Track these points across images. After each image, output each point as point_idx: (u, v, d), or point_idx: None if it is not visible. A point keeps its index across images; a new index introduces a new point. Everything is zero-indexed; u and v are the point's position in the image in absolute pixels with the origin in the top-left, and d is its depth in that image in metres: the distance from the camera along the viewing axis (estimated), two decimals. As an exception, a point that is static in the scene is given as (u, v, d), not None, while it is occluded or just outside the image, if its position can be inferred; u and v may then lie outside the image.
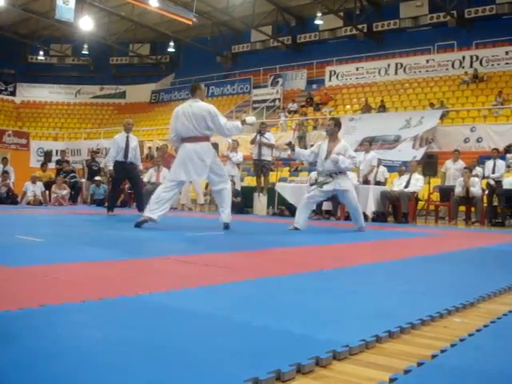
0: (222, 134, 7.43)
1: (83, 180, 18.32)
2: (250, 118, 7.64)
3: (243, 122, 7.29)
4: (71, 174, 17.61)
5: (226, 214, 7.18)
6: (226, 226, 7.13)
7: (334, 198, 11.76)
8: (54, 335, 1.69)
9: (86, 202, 17.27)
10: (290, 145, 8.30)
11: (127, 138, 10.66)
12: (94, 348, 1.55)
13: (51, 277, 2.84)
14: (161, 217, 6.86)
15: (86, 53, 34.71)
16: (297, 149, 8.42)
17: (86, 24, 28.56)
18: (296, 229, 7.67)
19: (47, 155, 22.67)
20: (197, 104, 7.00)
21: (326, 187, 7.93)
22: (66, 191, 16.15)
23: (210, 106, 7.05)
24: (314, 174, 13.67)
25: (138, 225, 6.78)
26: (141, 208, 10.26)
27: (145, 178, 15.12)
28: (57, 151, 24.53)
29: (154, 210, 6.81)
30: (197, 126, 6.89)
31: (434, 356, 1.62)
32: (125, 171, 10.59)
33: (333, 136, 8.09)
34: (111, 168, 10.69)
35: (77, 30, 29.82)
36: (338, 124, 8.23)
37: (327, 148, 7.94)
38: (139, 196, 11.01)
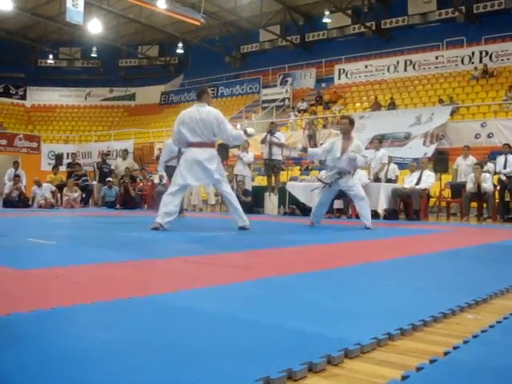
0: (227, 141, 7.47)
1: (94, 182, 18.38)
2: (250, 130, 7.70)
3: (245, 132, 7.33)
4: (83, 178, 17.68)
5: (234, 218, 7.17)
6: (243, 229, 7.07)
7: (346, 196, 11.77)
8: (65, 337, 1.69)
9: (97, 204, 17.33)
10: (302, 149, 8.41)
11: None
12: (105, 349, 1.55)
13: (62, 279, 2.85)
14: (169, 223, 6.86)
15: (95, 56, 34.85)
16: (309, 150, 8.47)
17: (95, 27, 28.65)
18: (312, 224, 7.89)
19: (58, 158, 22.74)
20: (204, 109, 6.95)
21: (334, 186, 8.04)
22: (77, 194, 16.23)
23: (217, 112, 7.02)
24: (324, 173, 13.68)
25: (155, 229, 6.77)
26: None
27: (155, 180, 15.16)
28: (68, 154, 24.60)
29: (163, 216, 6.81)
30: (204, 132, 6.85)
31: (446, 353, 1.61)
32: None
33: (347, 134, 8.11)
34: (162, 173, 10.63)
35: (85, 33, 29.92)
36: (352, 122, 8.27)
37: (341, 146, 7.96)
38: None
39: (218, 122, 6.87)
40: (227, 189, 7.19)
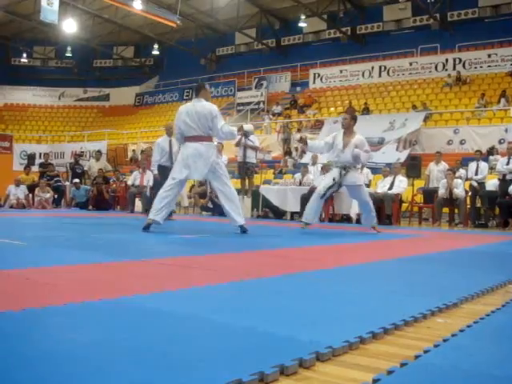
0: (216, 136, 7.39)
1: (67, 183, 18.22)
2: (248, 126, 7.68)
3: (240, 129, 7.31)
4: (55, 179, 17.52)
5: (232, 217, 7.08)
6: (243, 230, 7.06)
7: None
8: (36, 339, 1.67)
9: (69, 206, 17.19)
10: (302, 139, 8.38)
11: (170, 141, 10.65)
12: (76, 351, 1.53)
13: (33, 280, 2.82)
14: (165, 218, 6.88)
15: (70, 55, 34.55)
16: (309, 142, 8.48)
17: (70, 26, 28.40)
18: (306, 224, 7.83)
19: (30, 158, 22.51)
20: (200, 103, 7.01)
21: (342, 181, 8.05)
22: (49, 194, 16.06)
23: (212, 107, 7.07)
24: (298, 176, 13.72)
25: (146, 228, 6.74)
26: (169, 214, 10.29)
27: (129, 181, 15.10)
28: (40, 154, 24.36)
29: (157, 212, 6.78)
30: (200, 126, 6.88)
31: (417, 356, 1.62)
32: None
33: (349, 129, 8.21)
34: (156, 172, 10.62)
35: (60, 33, 29.64)
36: (354, 118, 8.40)
37: (343, 140, 8.05)
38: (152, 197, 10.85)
39: (212, 116, 6.90)
40: (224, 189, 7.10)
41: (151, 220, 6.77)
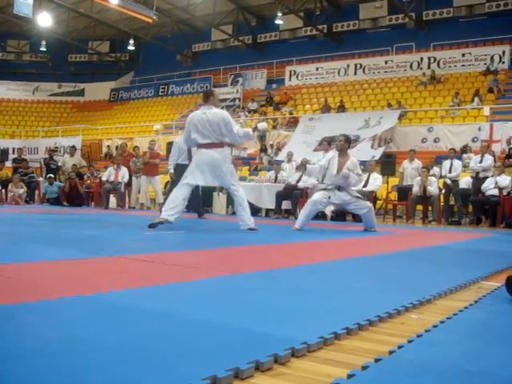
0: (234, 141, 7.59)
1: (41, 179, 18.03)
2: (262, 125, 7.83)
3: (254, 129, 7.51)
4: (30, 175, 17.35)
5: (242, 219, 7.31)
6: (251, 230, 7.23)
7: (294, 197, 11.85)
8: (9, 336, 1.65)
9: (42, 201, 17.02)
10: (302, 165, 8.49)
11: None
12: (51, 348, 1.52)
13: (5, 276, 2.78)
14: (177, 219, 6.92)
15: (44, 49, 34.12)
16: (308, 167, 8.51)
17: (45, 20, 28.05)
18: (297, 229, 7.88)
19: (4, 153, 22.23)
20: (211, 111, 7.11)
21: (332, 199, 8.15)
22: (22, 190, 15.88)
23: (224, 113, 7.25)
24: (272, 174, 13.72)
25: (153, 226, 6.70)
26: (200, 213, 10.54)
27: (103, 177, 14.99)
28: (13, 149, 24.10)
29: (170, 211, 6.83)
30: (213, 133, 7.00)
31: (391, 352, 1.64)
32: None
33: (343, 152, 8.24)
34: (172, 171, 10.61)
35: (35, 26, 29.29)
36: (348, 140, 8.41)
37: (338, 163, 8.08)
38: (198, 199, 10.82)
39: (225, 123, 7.02)
40: (239, 191, 7.35)
41: (164, 219, 6.78)
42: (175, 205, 6.89)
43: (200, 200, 10.98)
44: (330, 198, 8.11)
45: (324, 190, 8.18)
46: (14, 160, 18.59)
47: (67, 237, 5.61)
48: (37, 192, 17.33)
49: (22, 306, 2.06)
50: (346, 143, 8.27)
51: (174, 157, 10.72)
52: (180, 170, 10.01)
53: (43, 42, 33.37)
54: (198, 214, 10.77)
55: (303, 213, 8.11)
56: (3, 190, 15.89)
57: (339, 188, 8.11)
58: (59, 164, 17.96)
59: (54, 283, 2.68)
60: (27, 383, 1.26)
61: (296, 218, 11.67)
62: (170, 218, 6.81)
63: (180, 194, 6.99)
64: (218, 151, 7.06)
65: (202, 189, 13.87)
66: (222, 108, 27.37)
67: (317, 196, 8.15)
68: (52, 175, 16.51)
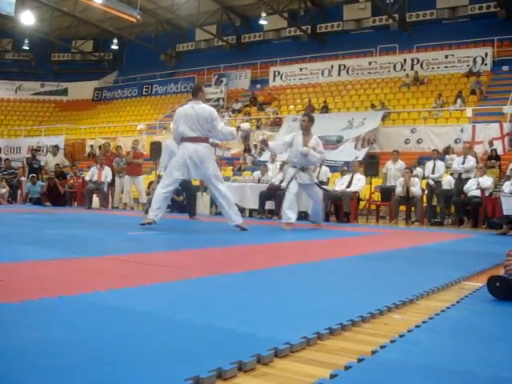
0: (216, 138, 7.83)
1: (23, 178, 17.91)
2: (245, 125, 8.02)
3: (238, 129, 7.66)
4: (12, 174, 17.23)
5: (229, 216, 7.37)
6: (241, 228, 7.29)
7: (278, 197, 11.85)
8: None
9: (25, 201, 16.91)
10: (263, 142, 8.66)
11: None
12: (34, 349, 1.51)
13: (-13, 276, 2.77)
14: (160, 217, 7.06)
15: (27, 48, 33.90)
16: (270, 143, 8.66)
17: (28, 19, 27.90)
18: (291, 224, 8.08)
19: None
20: (199, 106, 7.23)
21: (299, 180, 8.33)
22: (4, 189, 15.77)
23: (211, 109, 7.36)
24: (257, 174, 13.73)
25: (143, 225, 6.89)
26: (192, 213, 10.54)
27: (86, 177, 14.93)
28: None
29: (156, 211, 6.99)
30: (199, 127, 7.11)
31: (374, 352, 1.64)
32: None
33: (307, 130, 8.45)
34: (162, 173, 10.65)
35: (18, 25, 29.11)
36: (311, 119, 8.58)
37: (302, 141, 8.28)
38: (191, 200, 11.05)
39: (212, 119, 7.15)
40: (219, 185, 7.36)
41: (151, 220, 6.92)
42: (160, 205, 7.03)
43: (195, 200, 11.04)
44: (296, 178, 8.31)
45: (293, 167, 8.43)
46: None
47: (49, 237, 5.58)
48: (19, 192, 17.23)
49: (3, 306, 2.04)
50: (309, 122, 8.45)
51: (165, 159, 10.75)
52: None
53: (26, 41, 33.18)
54: (189, 214, 10.79)
55: (288, 206, 8.20)
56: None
57: (303, 169, 8.32)
58: (42, 163, 17.86)
59: (36, 284, 2.66)
60: (9, 383, 1.25)
61: (280, 219, 11.70)
62: (157, 219, 6.93)
63: (165, 193, 7.10)
64: (203, 145, 7.17)
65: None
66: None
67: (294, 188, 8.26)
68: (34, 175, 16.41)
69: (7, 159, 18.52)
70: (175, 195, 13.14)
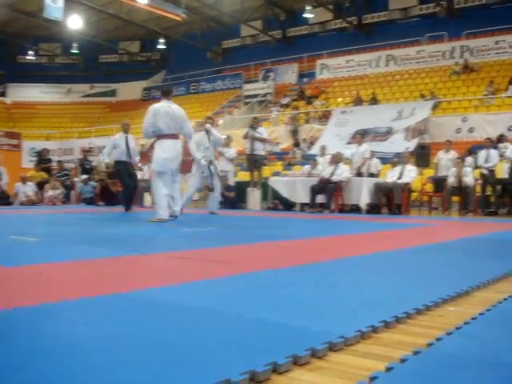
0: (187, 137, 8.65)
1: (76, 179, 18.22)
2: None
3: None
4: (65, 175, 17.57)
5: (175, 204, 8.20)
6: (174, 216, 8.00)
7: (328, 190, 11.81)
8: (49, 333, 1.68)
9: (78, 202, 17.21)
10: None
11: (126, 138, 11.18)
12: (90, 345, 1.54)
13: (45, 275, 2.83)
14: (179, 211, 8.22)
15: (76, 51, 34.57)
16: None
17: (75, 22, 28.44)
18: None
19: (40, 155, 22.53)
20: (175, 106, 8.00)
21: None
22: (59, 191, 16.09)
23: (183, 110, 8.12)
24: (307, 168, 13.71)
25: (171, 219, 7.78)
26: (128, 207, 11.01)
27: (138, 176, 15.11)
28: (48, 151, 24.42)
29: (164, 208, 7.74)
30: (175, 125, 7.87)
31: (429, 344, 1.62)
32: (127, 170, 11.16)
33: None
34: (107, 161, 11.53)
35: (66, 29, 29.67)
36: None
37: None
38: (132, 194, 11.53)
39: (185, 119, 8.06)
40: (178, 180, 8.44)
41: (164, 219, 7.59)
42: (166, 202, 7.82)
43: (132, 193, 11.65)
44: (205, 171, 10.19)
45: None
46: (40, 160, 18.79)
47: (103, 236, 5.67)
48: (73, 192, 17.54)
49: (62, 304, 2.09)
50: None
51: (108, 150, 11.48)
52: (122, 167, 11.08)
53: (74, 44, 33.85)
54: (125, 207, 11.27)
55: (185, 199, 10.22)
56: (40, 191, 16.11)
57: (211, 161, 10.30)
58: (94, 164, 18.14)
59: (92, 281, 2.71)
60: (65, 380, 1.28)
61: (331, 212, 11.66)
62: (166, 217, 7.63)
63: (164, 189, 7.81)
64: (177, 141, 8.03)
65: (235, 185, 13.99)
66: (254, 104, 27.62)
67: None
68: (86, 176, 16.70)
69: (60, 161, 18.86)
70: (226, 191, 13.23)
